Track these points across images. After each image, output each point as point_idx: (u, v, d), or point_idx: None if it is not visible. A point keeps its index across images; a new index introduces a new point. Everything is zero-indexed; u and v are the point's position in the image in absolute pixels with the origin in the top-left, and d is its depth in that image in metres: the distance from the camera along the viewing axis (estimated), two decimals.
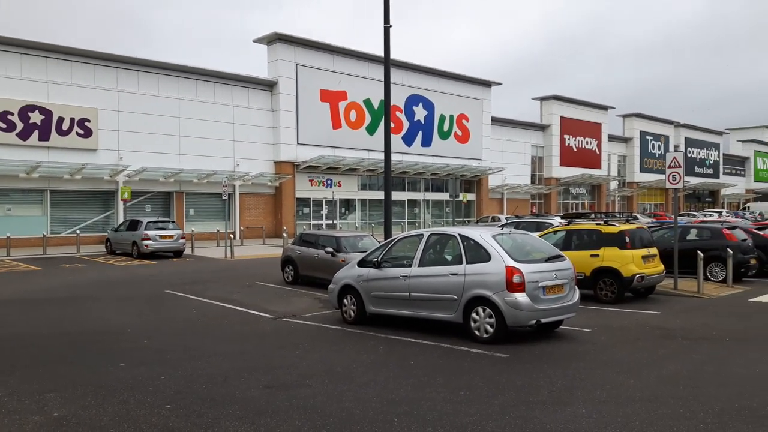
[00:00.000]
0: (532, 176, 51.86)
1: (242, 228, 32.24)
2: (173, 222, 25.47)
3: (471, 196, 44.81)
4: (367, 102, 36.62)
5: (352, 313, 10.51)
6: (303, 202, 35.60)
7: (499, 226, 20.17)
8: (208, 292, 14.27)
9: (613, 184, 60.35)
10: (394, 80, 38.64)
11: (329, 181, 36.29)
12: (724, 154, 76.58)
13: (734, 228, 17.31)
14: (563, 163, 53.08)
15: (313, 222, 35.43)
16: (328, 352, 8.59)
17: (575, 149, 54.47)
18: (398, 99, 38.81)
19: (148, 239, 23.03)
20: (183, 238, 24.22)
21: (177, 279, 16.94)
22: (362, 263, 10.60)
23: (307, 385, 6.80)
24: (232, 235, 26.33)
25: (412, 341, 9.05)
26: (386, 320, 10.33)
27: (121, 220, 27.29)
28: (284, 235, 26.95)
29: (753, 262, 16.32)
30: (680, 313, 11.57)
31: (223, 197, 25.48)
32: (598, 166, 56.86)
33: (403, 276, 9.75)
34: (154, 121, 30.03)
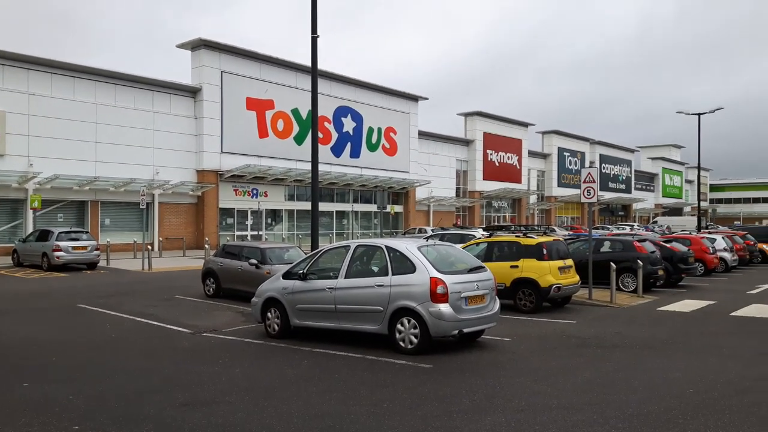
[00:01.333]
0: (457, 189, 53.04)
1: (161, 239, 31.06)
2: (87, 232, 24.20)
3: (399, 208, 45.29)
4: (295, 112, 36.34)
5: (277, 327, 10.31)
6: (227, 212, 34.78)
7: (425, 238, 20.46)
8: (123, 306, 13.61)
9: (533, 198, 62.63)
10: (323, 91, 38.63)
11: (255, 191, 35.66)
12: (635, 171, 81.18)
13: (644, 241, 18.33)
14: (486, 177, 54.61)
15: (237, 233, 34.65)
16: (250, 367, 8.37)
17: (497, 164, 56.19)
18: (327, 110, 38.77)
19: (60, 250, 21.77)
20: (97, 249, 23.06)
21: (90, 292, 16.08)
22: (287, 275, 10.43)
23: (226, 401, 6.59)
24: (150, 247, 25.30)
25: (337, 354, 8.97)
26: (312, 333, 10.20)
27: (30, 230, 25.65)
28: (206, 246, 26.19)
29: (661, 273, 17.32)
30: (594, 322, 12.09)
31: (141, 206, 24.46)
32: (518, 180, 58.86)
33: (329, 288, 9.67)
34: (68, 126, 28.50)
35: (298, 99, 36.30)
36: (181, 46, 33.44)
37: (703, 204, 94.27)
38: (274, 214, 37.53)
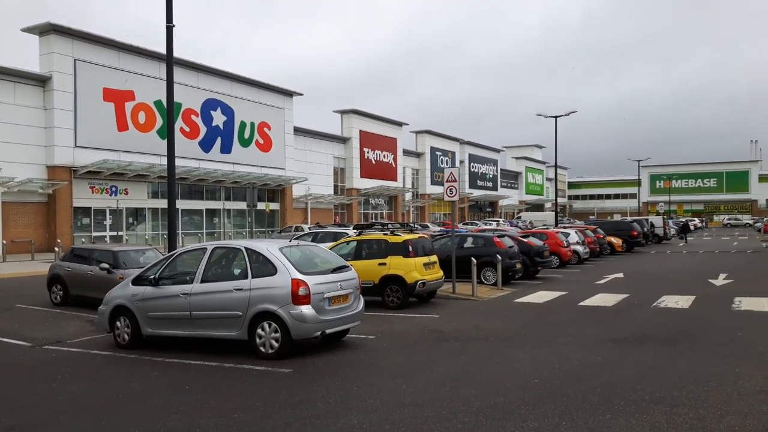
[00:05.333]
0: (335, 187, 53.08)
1: (5, 242, 28.04)
2: None
3: (275, 206, 44.41)
4: (158, 104, 34.33)
5: (126, 337, 9.58)
6: (83, 211, 32.14)
7: (295, 237, 20.17)
8: None
9: (408, 196, 64.27)
10: (191, 83, 36.89)
11: (114, 189, 33.25)
12: (501, 169, 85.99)
13: (503, 236, 19.35)
14: (363, 175, 55.18)
15: (95, 234, 32.13)
16: (93, 382, 7.70)
17: (374, 162, 56.97)
18: (195, 103, 37.09)
19: None
20: None
21: None
22: (138, 281, 9.73)
23: (59, 422, 5.98)
24: None
25: (191, 363, 8.50)
26: (167, 342, 9.60)
27: None
28: (57, 249, 24.00)
29: (518, 266, 18.36)
30: (456, 315, 12.51)
31: None
32: (394, 178, 60.12)
33: (183, 294, 9.14)
34: None
35: (161, 90, 34.19)
36: (28, 30, 30.37)
37: (561, 200, 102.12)
38: (136, 214, 35.27)
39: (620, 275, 20.39)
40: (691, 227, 70.29)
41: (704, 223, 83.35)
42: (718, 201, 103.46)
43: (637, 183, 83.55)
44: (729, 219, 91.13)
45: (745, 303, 13.25)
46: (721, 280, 18.13)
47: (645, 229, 37.39)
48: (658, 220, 44.56)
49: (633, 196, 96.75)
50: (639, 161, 72.39)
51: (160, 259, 10.26)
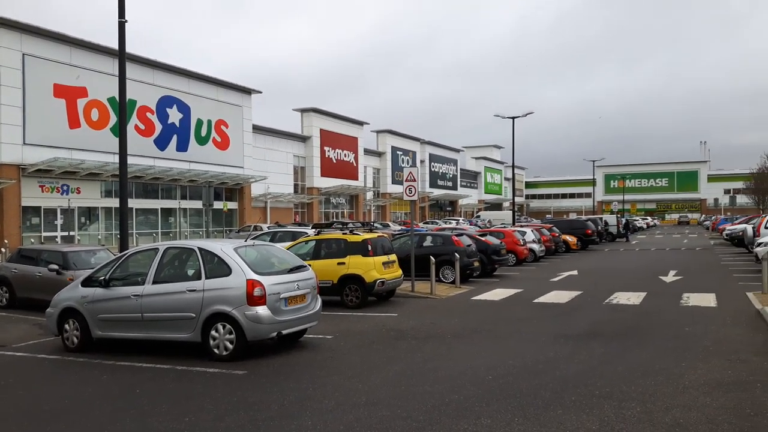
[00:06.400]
0: (295, 186, 52.62)
1: None
2: None
3: (232, 205, 43.76)
4: (112, 100, 33.36)
5: (76, 340, 9.31)
6: (32, 211, 31.00)
7: (253, 237, 19.94)
8: None
9: (369, 195, 64.26)
10: (146, 80, 36.02)
11: (66, 187, 32.16)
12: (461, 169, 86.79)
13: (462, 235, 19.53)
14: (324, 174, 54.88)
15: (45, 234, 31.03)
16: (39, 387, 7.44)
17: (335, 161, 56.75)
18: (150, 100, 36.21)
19: None
20: None
21: None
22: (87, 282, 9.47)
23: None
24: None
25: (143, 366, 8.30)
26: (118, 345, 9.37)
27: None
28: (3, 250, 23.11)
29: (476, 264, 18.58)
30: (414, 313, 12.58)
31: None
32: (355, 177, 60.00)
33: (134, 295, 8.93)
34: None
35: (115, 87, 33.24)
36: None
37: (519, 200, 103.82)
38: (89, 213, 34.22)
39: (574, 273, 20.84)
40: (645, 225, 72.57)
41: (654, 222, 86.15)
42: (669, 200, 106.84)
43: (592, 183, 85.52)
44: (681, 217, 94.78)
45: (693, 299, 13.71)
46: (670, 277, 18.72)
47: (599, 227, 38.33)
48: (612, 219, 45.76)
49: (588, 195, 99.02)
50: (594, 161, 74.12)
51: (110, 260, 10.00)
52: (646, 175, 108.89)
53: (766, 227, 24.91)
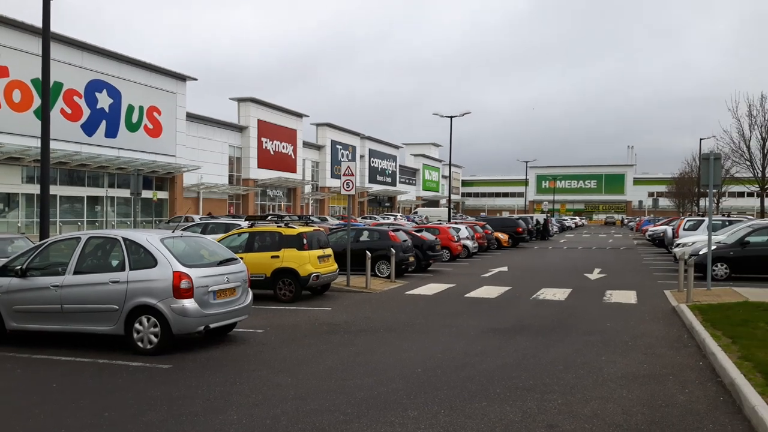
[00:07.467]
0: (230, 177, 51.49)
1: None
2: None
3: (163, 194, 42.39)
4: (36, 82, 31.59)
5: None
6: None
7: (183, 228, 19.38)
8: None
9: (308, 188, 63.71)
10: (74, 62, 34.31)
11: None
12: (400, 166, 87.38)
13: (398, 230, 19.68)
14: (261, 166, 53.95)
15: None
16: None
17: (272, 152, 55.88)
18: (78, 83, 34.52)
19: None
20: None
21: None
22: (2, 271, 8.95)
23: None
24: None
25: (61, 360, 7.94)
26: (34, 337, 8.90)
27: None
28: None
29: (411, 259, 18.76)
30: (348, 307, 12.57)
31: None
32: (293, 170, 59.32)
33: (54, 286, 8.51)
34: None
35: (39, 68, 31.64)
36: None
37: (455, 197, 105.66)
38: (8, 199, 32.35)
39: (505, 269, 21.40)
40: (573, 225, 75.39)
41: (582, 222, 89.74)
42: (597, 201, 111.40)
43: (525, 183, 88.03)
44: (608, 217, 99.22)
45: (615, 296, 14.34)
46: (595, 275, 19.51)
47: (530, 225, 39.49)
48: (543, 218, 47.18)
49: (521, 194, 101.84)
50: (527, 162, 76.30)
51: (28, 249, 9.49)
52: (576, 176, 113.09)
53: (684, 229, 26.41)
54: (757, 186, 36.26)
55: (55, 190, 31.75)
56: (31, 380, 7.05)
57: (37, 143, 31.02)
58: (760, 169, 35.03)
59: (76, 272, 8.53)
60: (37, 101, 31.74)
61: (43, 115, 12.39)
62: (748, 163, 35.42)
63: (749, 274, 16.75)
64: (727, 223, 24.38)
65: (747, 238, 17.09)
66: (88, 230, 18.36)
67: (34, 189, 32.10)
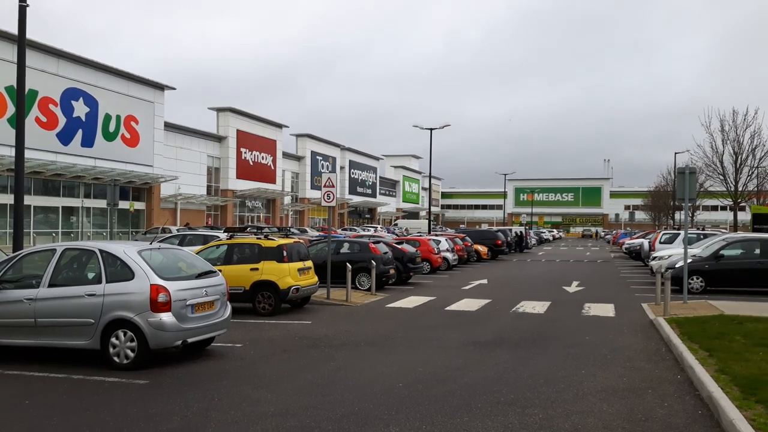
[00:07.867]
0: (209, 187, 51.05)
1: None
2: None
3: (140, 205, 41.84)
4: (10, 89, 31.06)
5: None
6: None
7: (160, 240, 19.12)
8: None
9: (287, 199, 63.43)
10: (50, 70, 33.85)
11: None
12: (380, 177, 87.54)
13: (378, 242, 19.66)
14: (240, 176, 53.60)
15: None
16: None
17: (252, 163, 55.59)
18: (54, 91, 34.04)
19: None
20: None
21: None
22: None
23: None
24: None
25: (35, 376, 7.73)
26: (5, 352, 8.66)
27: None
28: None
29: (392, 272, 18.74)
30: (328, 321, 12.48)
31: None
32: (273, 181, 59.04)
33: (27, 299, 8.31)
34: None
35: (14, 75, 31.12)
36: None
37: (435, 209, 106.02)
38: None
39: (485, 281, 21.48)
40: (551, 238, 76.12)
41: (560, 235, 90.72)
42: (574, 214, 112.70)
43: (503, 195, 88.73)
44: (585, 230, 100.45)
45: (594, 309, 14.46)
46: (573, 287, 19.67)
47: (509, 238, 39.76)
48: (521, 230, 47.54)
49: (500, 207, 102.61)
50: (505, 175, 76.93)
51: (1, 261, 9.27)
52: (554, 189, 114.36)
53: (660, 242, 26.79)
54: (730, 200, 36.97)
55: (29, 200, 31.19)
56: (1, 397, 6.85)
57: (11, 152, 30.42)
58: (733, 183, 35.77)
59: (50, 285, 8.35)
60: (11, 109, 31.21)
61: (18, 123, 12.18)
62: (722, 177, 36.14)
63: (724, 287, 17.02)
64: (702, 237, 24.82)
65: (721, 252, 17.39)
66: (63, 242, 18.03)
67: (8, 199, 31.47)
